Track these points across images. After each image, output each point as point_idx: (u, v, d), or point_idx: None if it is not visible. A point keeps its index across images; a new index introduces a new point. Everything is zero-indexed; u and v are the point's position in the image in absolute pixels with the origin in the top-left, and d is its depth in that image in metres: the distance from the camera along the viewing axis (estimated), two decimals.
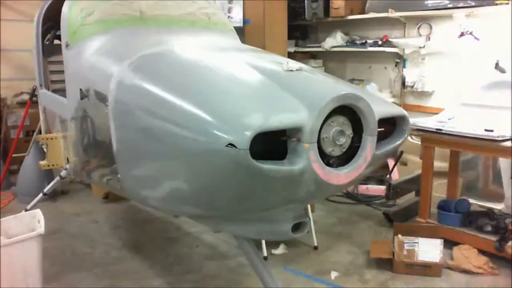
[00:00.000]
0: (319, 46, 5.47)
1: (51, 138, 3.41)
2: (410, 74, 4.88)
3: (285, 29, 4.43)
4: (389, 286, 3.08)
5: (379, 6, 4.93)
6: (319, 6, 5.31)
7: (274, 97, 1.73)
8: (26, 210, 3.43)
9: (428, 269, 3.15)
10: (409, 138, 2.93)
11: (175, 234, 3.92)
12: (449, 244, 3.37)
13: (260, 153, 1.62)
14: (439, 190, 4.00)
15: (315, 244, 3.59)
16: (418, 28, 4.74)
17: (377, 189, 4.70)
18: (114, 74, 2.17)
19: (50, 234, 3.73)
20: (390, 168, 4.51)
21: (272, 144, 1.69)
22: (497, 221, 3.40)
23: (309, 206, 3.67)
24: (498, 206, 3.85)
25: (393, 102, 4.27)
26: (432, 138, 3.48)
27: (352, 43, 5.22)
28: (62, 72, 3.05)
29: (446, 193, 3.91)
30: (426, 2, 4.51)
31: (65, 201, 4.77)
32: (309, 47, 5.77)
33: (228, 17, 4.38)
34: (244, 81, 1.90)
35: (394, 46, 4.80)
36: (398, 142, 2.10)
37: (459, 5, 4.24)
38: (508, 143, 3.09)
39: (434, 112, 4.25)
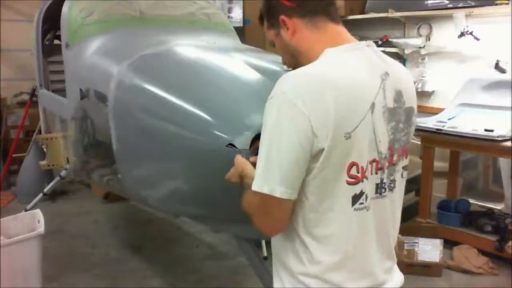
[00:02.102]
0: None
1: (51, 138, 3.41)
2: (410, 74, 4.87)
3: None
4: None
5: (379, 6, 4.93)
6: None
7: None
8: (26, 210, 3.42)
9: (428, 269, 3.15)
10: None
11: (175, 234, 3.92)
12: (449, 244, 3.38)
13: None
14: (439, 190, 4.00)
15: None
16: (418, 28, 4.74)
17: None
18: (114, 74, 2.17)
19: (50, 234, 3.73)
20: None
21: None
22: (497, 221, 3.40)
23: None
24: (498, 206, 3.85)
25: None
26: (432, 138, 3.49)
27: None
28: (62, 72, 3.05)
29: (446, 193, 3.92)
30: (426, 2, 4.50)
31: (65, 201, 4.77)
32: None
33: (228, 17, 4.38)
34: (244, 81, 1.90)
35: (394, 46, 4.79)
36: None
37: (459, 5, 4.23)
38: (508, 143, 3.09)
39: (434, 112, 4.25)
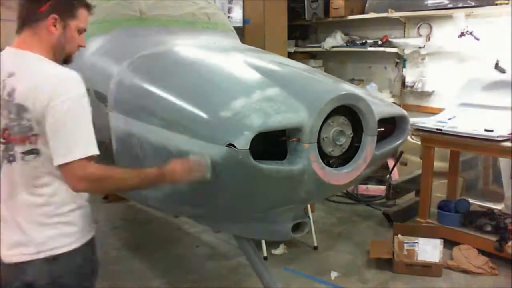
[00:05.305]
0: (319, 46, 5.47)
1: None
2: (410, 74, 4.88)
3: (285, 29, 4.43)
4: (389, 286, 3.08)
5: (379, 6, 4.93)
6: (319, 6, 5.32)
7: (274, 97, 1.73)
8: None
9: (428, 269, 3.15)
10: (409, 138, 2.93)
11: (175, 234, 3.92)
12: (449, 244, 3.37)
13: (260, 153, 1.62)
14: (439, 190, 4.00)
15: (315, 244, 3.59)
16: (418, 28, 4.74)
17: (377, 189, 4.70)
18: (114, 74, 2.17)
19: None
20: (390, 168, 4.51)
21: (273, 144, 1.69)
22: (497, 221, 3.40)
23: (309, 206, 3.68)
24: (498, 206, 3.85)
25: (393, 102, 4.27)
26: (432, 138, 3.48)
27: (352, 43, 5.22)
28: None
29: (446, 193, 3.91)
30: (426, 2, 4.51)
31: None
32: (309, 47, 5.77)
33: (228, 17, 4.38)
34: (244, 81, 1.90)
35: (394, 46, 4.79)
36: (398, 142, 2.10)
37: (459, 5, 4.24)
38: (508, 143, 3.09)
39: (434, 112, 4.25)
